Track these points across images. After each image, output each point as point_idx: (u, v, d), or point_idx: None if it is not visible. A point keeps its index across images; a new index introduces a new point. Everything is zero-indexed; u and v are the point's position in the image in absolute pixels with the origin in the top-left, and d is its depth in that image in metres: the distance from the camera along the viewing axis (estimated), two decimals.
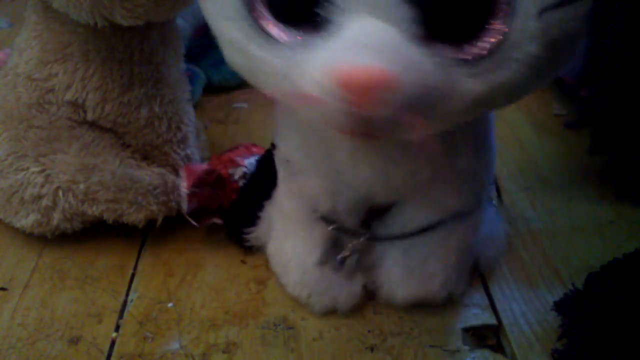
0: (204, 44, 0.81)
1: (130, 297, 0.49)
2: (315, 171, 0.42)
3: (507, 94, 0.33)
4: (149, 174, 0.52)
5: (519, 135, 0.70)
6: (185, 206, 0.51)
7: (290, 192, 0.45)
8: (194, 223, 0.51)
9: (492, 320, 0.47)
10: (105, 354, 0.44)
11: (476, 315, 0.47)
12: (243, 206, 0.52)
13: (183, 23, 0.74)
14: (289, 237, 0.47)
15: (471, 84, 0.30)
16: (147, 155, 0.54)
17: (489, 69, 0.30)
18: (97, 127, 0.52)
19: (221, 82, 0.81)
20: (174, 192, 0.53)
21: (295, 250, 0.47)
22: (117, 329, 0.47)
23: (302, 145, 0.41)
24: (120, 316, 0.48)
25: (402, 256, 0.46)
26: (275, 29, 0.31)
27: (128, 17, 0.45)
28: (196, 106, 0.74)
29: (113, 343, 0.45)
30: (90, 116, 0.51)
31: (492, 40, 0.29)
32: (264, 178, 0.51)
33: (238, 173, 0.53)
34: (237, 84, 0.82)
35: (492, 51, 0.30)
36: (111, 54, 0.50)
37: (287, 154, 0.44)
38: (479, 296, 0.49)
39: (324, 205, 0.43)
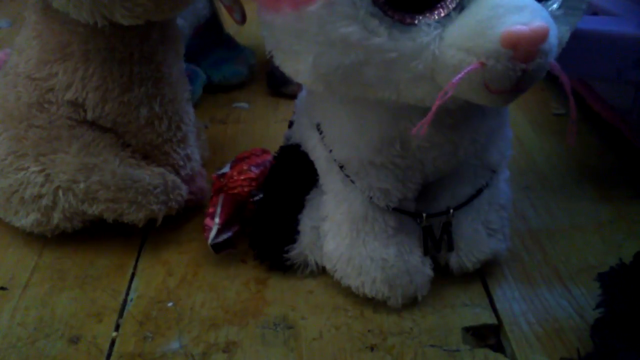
0: (204, 44, 0.82)
1: (130, 297, 0.50)
2: (383, 165, 0.44)
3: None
4: (149, 174, 0.52)
5: (518, 135, 0.70)
6: (212, 236, 0.51)
7: (357, 192, 0.46)
8: (214, 252, 0.51)
9: (492, 320, 0.47)
10: (105, 353, 0.45)
11: (476, 314, 0.48)
12: (275, 225, 0.51)
13: (183, 23, 0.74)
14: (360, 235, 0.47)
15: (563, 28, 0.37)
16: (147, 155, 0.54)
17: (567, 13, 0.37)
18: (97, 127, 0.52)
19: (221, 82, 0.82)
20: (174, 192, 0.53)
21: (369, 247, 0.47)
22: (117, 328, 0.47)
23: (375, 143, 0.43)
24: (120, 316, 0.48)
25: (466, 221, 0.48)
26: (402, 15, 0.33)
27: (128, 17, 0.45)
28: (196, 106, 0.74)
29: (113, 342, 0.46)
30: (90, 116, 0.51)
31: None
32: (285, 193, 0.51)
33: (258, 195, 0.53)
34: (237, 84, 0.83)
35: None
36: (111, 54, 0.50)
37: (341, 159, 0.45)
38: (479, 296, 0.49)
39: (396, 195, 0.45)
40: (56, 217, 0.51)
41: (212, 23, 0.83)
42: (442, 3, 0.33)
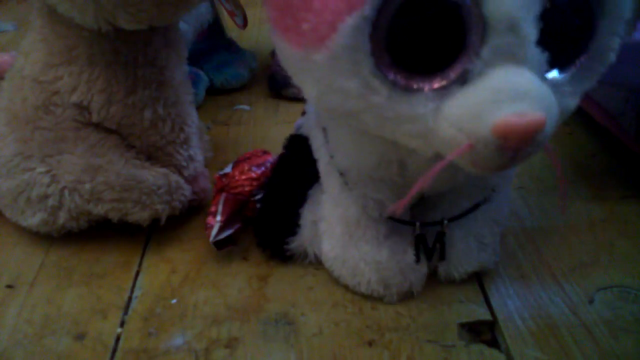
0: (206, 48, 0.83)
1: (134, 294, 0.50)
2: (381, 179, 0.44)
3: None
4: (153, 174, 0.52)
5: None
6: (213, 233, 0.51)
7: (353, 199, 0.46)
8: (215, 249, 0.52)
9: (487, 316, 0.48)
10: (110, 349, 0.45)
11: (471, 311, 0.48)
12: (277, 216, 0.52)
13: (186, 27, 0.75)
14: (353, 239, 0.48)
15: (569, 100, 0.35)
16: (151, 156, 0.55)
17: (579, 82, 0.35)
18: (102, 129, 0.52)
19: (223, 85, 0.82)
20: (177, 192, 0.54)
21: (361, 250, 0.48)
22: (122, 324, 0.47)
23: (373, 161, 0.43)
24: (125, 312, 0.48)
25: (459, 233, 0.49)
26: (403, 79, 0.32)
27: (132, 22, 0.46)
28: (199, 108, 0.76)
29: (118, 339, 0.46)
30: (95, 118, 0.51)
31: (584, 58, 0.34)
32: (289, 185, 0.52)
33: (259, 194, 0.54)
34: (239, 86, 0.83)
35: (582, 67, 0.34)
36: (116, 57, 0.50)
37: (342, 167, 0.46)
38: (474, 292, 0.50)
39: (389, 206, 0.45)
40: (62, 216, 0.52)
41: (215, 27, 0.84)
42: (443, 73, 0.31)
